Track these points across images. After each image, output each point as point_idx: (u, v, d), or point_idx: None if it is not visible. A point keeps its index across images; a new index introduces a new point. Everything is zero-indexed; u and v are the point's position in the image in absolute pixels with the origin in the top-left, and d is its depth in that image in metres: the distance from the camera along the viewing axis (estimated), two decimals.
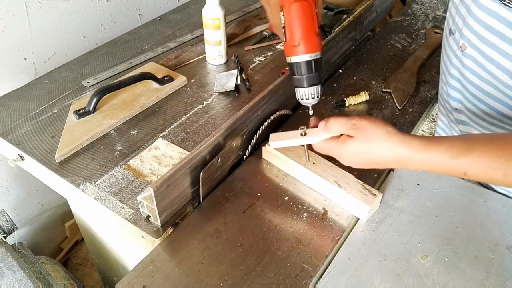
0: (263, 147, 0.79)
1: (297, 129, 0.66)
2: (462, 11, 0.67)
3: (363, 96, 0.93)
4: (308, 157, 0.72)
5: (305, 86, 0.64)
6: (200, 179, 0.69)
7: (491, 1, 0.60)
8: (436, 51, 1.10)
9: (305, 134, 0.65)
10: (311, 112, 0.68)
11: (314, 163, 0.73)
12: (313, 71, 0.63)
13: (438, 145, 0.56)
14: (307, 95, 0.65)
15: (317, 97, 0.65)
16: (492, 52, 0.62)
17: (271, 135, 0.70)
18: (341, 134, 0.61)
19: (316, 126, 0.64)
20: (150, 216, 0.68)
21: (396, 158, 0.57)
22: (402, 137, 0.57)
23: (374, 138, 0.57)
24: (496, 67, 0.63)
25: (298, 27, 0.62)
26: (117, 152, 0.80)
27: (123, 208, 0.70)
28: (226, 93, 0.94)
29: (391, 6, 1.28)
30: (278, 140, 0.68)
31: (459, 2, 0.68)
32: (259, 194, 0.74)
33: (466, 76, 0.70)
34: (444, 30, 0.78)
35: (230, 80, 0.97)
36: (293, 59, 0.63)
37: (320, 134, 0.63)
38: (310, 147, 0.67)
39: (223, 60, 1.03)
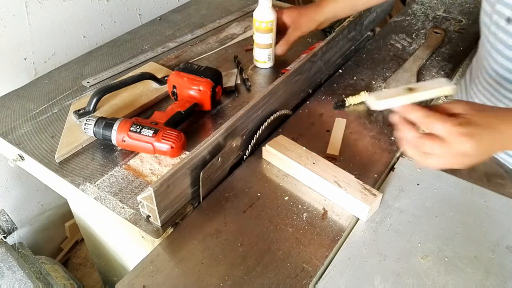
0: (263, 147, 0.79)
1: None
2: None
3: (363, 96, 0.93)
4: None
5: None
6: (200, 179, 0.69)
7: None
8: (436, 51, 1.10)
9: (413, 89, 0.57)
10: None
11: (314, 163, 0.73)
12: None
13: None
14: None
15: None
16: None
17: (369, 96, 0.59)
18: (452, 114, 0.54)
19: None
20: (150, 216, 0.68)
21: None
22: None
23: (487, 152, 0.55)
24: None
25: None
26: (117, 152, 0.80)
27: (123, 208, 0.70)
28: (226, 93, 0.94)
29: (391, 6, 1.28)
30: (381, 99, 0.58)
31: None
32: (259, 194, 0.74)
33: None
34: (490, 21, 0.74)
35: (230, 80, 0.97)
36: None
37: (431, 91, 0.56)
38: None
39: (271, 63, 1.03)
